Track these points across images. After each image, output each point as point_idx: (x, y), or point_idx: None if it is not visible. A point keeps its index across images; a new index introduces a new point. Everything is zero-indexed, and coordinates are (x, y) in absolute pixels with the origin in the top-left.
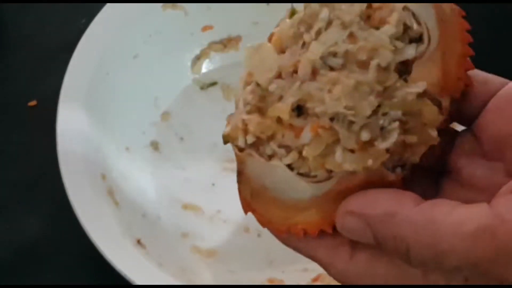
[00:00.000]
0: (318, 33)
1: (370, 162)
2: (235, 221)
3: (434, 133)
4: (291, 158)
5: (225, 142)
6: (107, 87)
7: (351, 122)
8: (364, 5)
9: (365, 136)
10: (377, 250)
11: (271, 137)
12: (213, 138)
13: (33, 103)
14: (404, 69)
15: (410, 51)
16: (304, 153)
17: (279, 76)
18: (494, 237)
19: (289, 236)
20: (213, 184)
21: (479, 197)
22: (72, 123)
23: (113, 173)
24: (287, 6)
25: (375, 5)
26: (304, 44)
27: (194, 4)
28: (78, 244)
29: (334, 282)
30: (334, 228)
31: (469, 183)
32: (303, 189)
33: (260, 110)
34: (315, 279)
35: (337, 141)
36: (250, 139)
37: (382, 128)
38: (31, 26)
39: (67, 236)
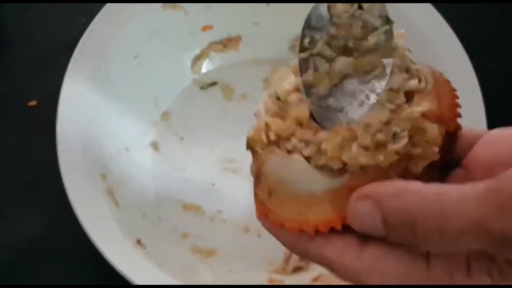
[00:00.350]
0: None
1: (381, 158)
2: (235, 221)
3: (435, 149)
4: (310, 150)
5: (249, 145)
6: (107, 87)
7: (368, 125)
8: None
9: (380, 137)
10: (384, 248)
11: (291, 135)
12: (213, 138)
13: (33, 103)
14: (407, 97)
15: (413, 83)
16: (323, 145)
17: (296, 91)
18: (498, 194)
19: (299, 238)
20: (213, 184)
21: None
22: (72, 123)
23: (113, 173)
24: (287, 6)
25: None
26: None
27: (194, 4)
28: (78, 244)
29: (334, 282)
30: (343, 226)
31: None
32: (319, 182)
33: (281, 117)
34: (315, 279)
35: (353, 138)
36: (272, 136)
37: (394, 135)
38: (31, 26)
39: (67, 236)
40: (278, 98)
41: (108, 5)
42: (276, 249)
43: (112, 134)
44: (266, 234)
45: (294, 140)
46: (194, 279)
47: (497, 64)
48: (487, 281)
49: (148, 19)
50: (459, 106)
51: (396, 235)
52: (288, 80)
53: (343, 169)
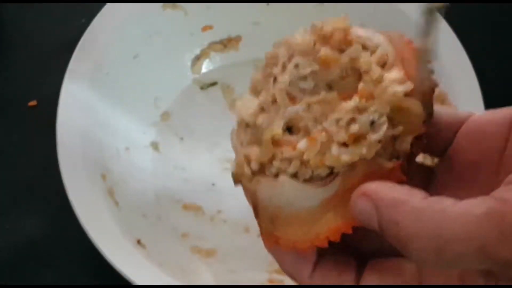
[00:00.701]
0: (284, 66)
1: (364, 150)
2: (235, 221)
3: (420, 123)
4: (294, 166)
5: (236, 181)
6: (107, 87)
7: (338, 120)
8: (312, 37)
9: (353, 128)
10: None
11: (272, 158)
12: (213, 138)
13: (33, 103)
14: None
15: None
16: (305, 156)
17: (262, 111)
18: (500, 219)
19: (297, 274)
20: (213, 184)
21: None
22: (72, 123)
23: (113, 173)
24: (287, 6)
25: (325, 34)
26: (275, 79)
27: (194, 4)
28: (78, 244)
29: None
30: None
31: None
32: (313, 196)
33: (256, 143)
34: None
35: (330, 139)
36: (255, 165)
37: (372, 123)
38: (31, 26)
39: (67, 236)
40: (247, 125)
41: (108, 5)
42: None
43: (112, 134)
44: None
45: (276, 163)
46: (194, 279)
47: (497, 65)
48: None
49: (148, 19)
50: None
51: (390, 240)
52: (251, 103)
53: (333, 173)
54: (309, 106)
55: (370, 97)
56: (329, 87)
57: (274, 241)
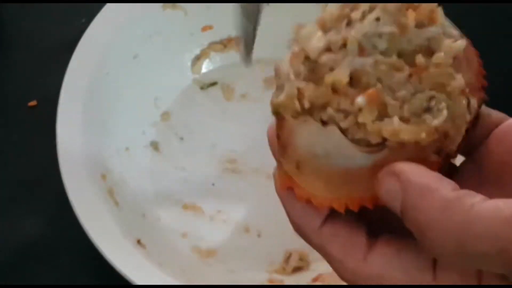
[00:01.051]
0: (364, 14)
1: (423, 135)
2: (235, 221)
3: (464, 127)
4: (349, 122)
5: (276, 112)
6: (107, 87)
7: (410, 92)
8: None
9: (414, 105)
10: (391, 251)
11: (326, 104)
12: (213, 138)
13: (33, 103)
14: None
15: (460, 43)
16: (360, 119)
17: (328, 50)
18: None
19: (309, 221)
20: (213, 184)
21: None
22: (72, 123)
23: (113, 173)
24: (287, 6)
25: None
26: (349, 23)
27: (194, 4)
28: (78, 244)
29: (334, 282)
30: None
31: None
32: (355, 157)
33: (313, 81)
34: (315, 279)
35: (391, 108)
36: (307, 103)
37: (430, 109)
38: (31, 26)
39: (67, 236)
40: (307, 58)
41: (108, 5)
42: (276, 249)
43: (112, 134)
44: (266, 234)
45: (330, 110)
46: (194, 279)
47: (499, 65)
48: None
49: (148, 19)
50: (484, 75)
51: (409, 225)
52: (317, 38)
53: (382, 144)
54: (377, 64)
55: (434, 84)
56: (399, 56)
57: (289, 186)
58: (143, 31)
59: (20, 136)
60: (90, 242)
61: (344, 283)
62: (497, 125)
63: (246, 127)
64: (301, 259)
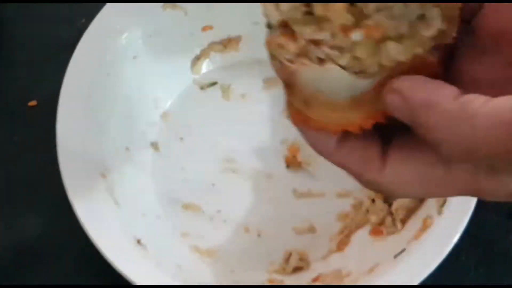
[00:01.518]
0: None
1: (419, 50)
2: (235, 221)
3: (457, 13)
4: (346, 59)
5: (271, 54)
6: (107, 87)
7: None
8: None
9: (406, 18)
10: (405, 154)
11: (320, 42)
12: (213, 138)
13: (33, 103)
14: None
15: None
16: (357, 53)
17: None
18: None
19: (326, 143)
20: (213, 184)
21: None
22: (72, 123)
23: (113, 173)
24: None
25: None
26: None
27: (194, 4)
28: (78, 244)
29: (334, 282)
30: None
31: (472, 82)
32: (356, 85)
33: (310, 22)
34: (315, 279)
35: (385, 36)
36: (301, 42)
37: (422, 17)
38: (31, 26)
39: (67, 236)
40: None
41: (108, 5)
42: (276, 249)
43: (112, 134)
44: (266, 234)
45: (326, 49)
46: (194, 279)
47: None
48: None
49: (148, 19)
50: None
51: (419, 134)
52: None
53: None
54: None
55: None
56: None
57: (303, 120)
58: (143, 31)
59: (20, 136)
60: (90, 242)
61: (347, 277)
62: None
63: (246, 127)
64: (301, 259)
